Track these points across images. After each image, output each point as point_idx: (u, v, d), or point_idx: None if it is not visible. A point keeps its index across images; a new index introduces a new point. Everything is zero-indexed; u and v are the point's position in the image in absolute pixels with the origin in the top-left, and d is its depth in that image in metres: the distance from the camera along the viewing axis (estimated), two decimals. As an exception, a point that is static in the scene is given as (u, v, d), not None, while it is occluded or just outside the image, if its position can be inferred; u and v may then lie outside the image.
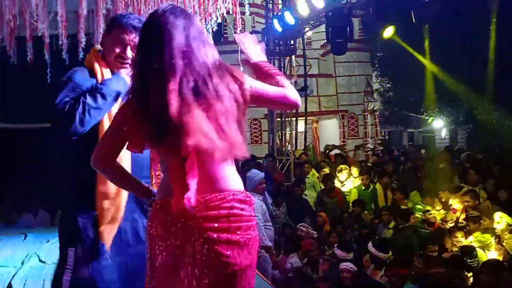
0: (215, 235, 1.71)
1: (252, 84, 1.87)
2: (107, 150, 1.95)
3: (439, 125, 18.31)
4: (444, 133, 20.32)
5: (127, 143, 1.88)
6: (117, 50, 2.43)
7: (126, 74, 2.40)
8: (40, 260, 5.11)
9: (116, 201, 2.37)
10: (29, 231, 6.61)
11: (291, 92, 1.96)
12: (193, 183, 1.70)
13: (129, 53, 2.44)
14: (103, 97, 2.28)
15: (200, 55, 1.79)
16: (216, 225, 1.72)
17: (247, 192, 1.86)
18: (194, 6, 6.20)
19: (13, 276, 4.66)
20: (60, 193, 2.58)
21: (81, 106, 2.22)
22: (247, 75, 1.88)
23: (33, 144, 8.44)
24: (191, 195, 1.69)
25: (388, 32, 7.67)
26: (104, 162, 1.97)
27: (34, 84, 7.25)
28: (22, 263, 5.04)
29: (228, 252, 1.72)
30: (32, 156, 8.38)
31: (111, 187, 2.33)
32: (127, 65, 2.45)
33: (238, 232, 1.75)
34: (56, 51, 6.19)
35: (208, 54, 1.82)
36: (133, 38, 2.41)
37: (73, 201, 2.43)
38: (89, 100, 2.24)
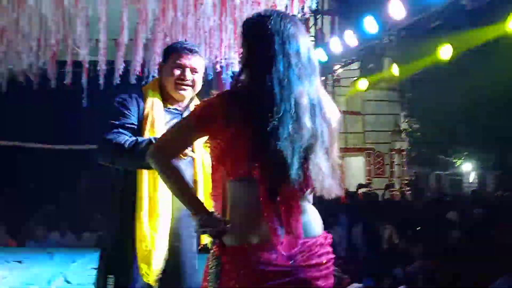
0: (322, 283, 1.65)
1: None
2: (173, 143, 1.78)
3: (467, 168, 18.01)
4: (472, 177, 19.95)
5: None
6: (177, 73, 2.48)
7: None
8: (66, 281, 5.16)
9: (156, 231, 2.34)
10: (56, 251, 6.70)
11: None
12: (299, 227, 1.63)
13: (189, 75, 2.49)
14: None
15: (315, 67, 1.75)
16: (318, 274, 1.65)
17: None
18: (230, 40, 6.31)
19: (39, 295, 4.71)
20: (107, 220, 2.63)
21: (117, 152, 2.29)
22: None
23: (64, 165, 8.62)
24: (296, 242, 1.61)
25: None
26: (165, 155, 1.75)
27: (70, 108, 7.47)
28: (49, 283, 5.09)
29: None
30: (63, 176, 8.54)
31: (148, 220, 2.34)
32: (187, 88, 2.50)
33: (331, 277, 1.71)
34: (93, 77, 6.39)
35: (317, 68, 1.76)
36: (190, 60, 2.49)
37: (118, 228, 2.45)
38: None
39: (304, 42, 1.72)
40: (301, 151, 1.61)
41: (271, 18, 1.72)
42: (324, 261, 1.67)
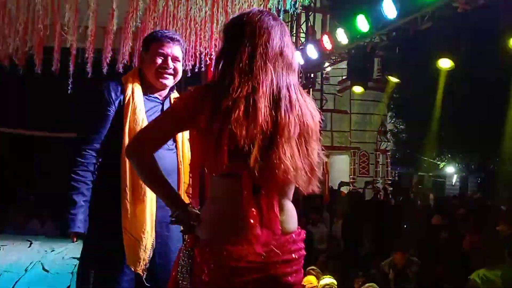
0: (292, 279, 1.68)
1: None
2: (152, 136, 1.73)
3: (450, 171, 18.20)
4: (454, 179, 20.17)
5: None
6: (159, 61, 2.45)
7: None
8: (44, 269, 5.11)
9: (140, 220, 2.31)
10: (35, 239, 6.62)
11: None
12: (276, 225, 1.63)
13: (171, 63, 2.47)
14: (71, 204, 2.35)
15: (291, 64, 1.72)
16: (289, 269, 1.68)
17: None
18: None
19: (16, 282, 4.65)
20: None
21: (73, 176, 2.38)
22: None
23: (47, 152, 8.51)
24: (273, 237, 1.63)
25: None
26: (142, 152, 1.72)
27: (54, 94, 7.36)
28: (26, 270, 5.04)
29: None
30: (46, 164, 8.43)
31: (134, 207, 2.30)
32: (169, 76, 2.48)
33: (301, 272, 1.76)
34: (80, 64, 6.29)
35: (296, 65, 1.75)
36: (171, 48, 2.47)
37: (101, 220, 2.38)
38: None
39: (278, 36, 1.70)
40: (259, 138, 1.58)
41: (250, 13, 1.74)
42: (295, 257, 1.69)
